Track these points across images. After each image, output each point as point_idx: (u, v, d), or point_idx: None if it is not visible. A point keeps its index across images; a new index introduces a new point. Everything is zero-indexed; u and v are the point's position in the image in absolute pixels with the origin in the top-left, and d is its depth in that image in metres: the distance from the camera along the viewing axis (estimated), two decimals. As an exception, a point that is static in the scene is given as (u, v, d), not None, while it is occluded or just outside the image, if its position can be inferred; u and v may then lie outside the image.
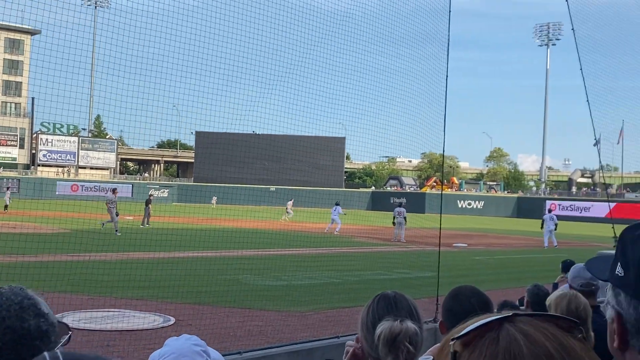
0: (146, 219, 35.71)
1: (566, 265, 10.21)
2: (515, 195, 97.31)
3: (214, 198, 62.68)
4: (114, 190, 31.66)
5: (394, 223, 33.49)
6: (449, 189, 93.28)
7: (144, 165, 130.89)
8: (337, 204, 35.63)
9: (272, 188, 71.85)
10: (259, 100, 13.35)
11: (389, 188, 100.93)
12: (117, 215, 29.82)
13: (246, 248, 22.47)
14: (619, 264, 1.41)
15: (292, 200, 49.18)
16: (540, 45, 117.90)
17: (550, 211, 34.26)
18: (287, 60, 12.88)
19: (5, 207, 43.94)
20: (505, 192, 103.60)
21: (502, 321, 0.96)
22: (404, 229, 33.18)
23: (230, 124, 13.59)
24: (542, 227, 33.09)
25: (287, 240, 26.54)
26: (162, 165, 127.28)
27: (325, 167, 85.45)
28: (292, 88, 13.15)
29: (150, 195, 41.41)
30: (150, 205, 36.55)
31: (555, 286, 10.38)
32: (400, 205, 36.39)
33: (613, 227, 11.15)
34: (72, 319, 10.85)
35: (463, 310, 3.02)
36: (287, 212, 48.44)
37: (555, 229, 32.26)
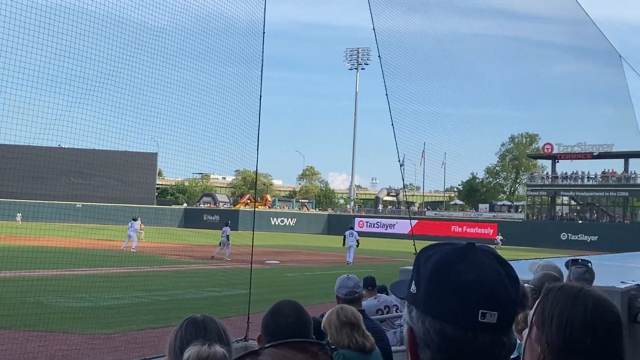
0: None
1: (368, 281, 10.78)
2: (326, 212, 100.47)
3: (19, 215, 58.62)
4: None
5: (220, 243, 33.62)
6: (263, 207, 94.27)
7: None
8: (134, 220, 34.78)
9: (79, 205, 68.54)
10: (66, 113, 12.76)
11: (202, 205, 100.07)
12: None
13: (50, 268, 21.28)
14: (413, 282, 1.52)
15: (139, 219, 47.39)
16: (351, 69, 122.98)
17: (351, 228, 35.09)
18: (95, 73, 12.46)
19: None
20: (317, 209, 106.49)
21: (253, 353, 1.05)
22: (228, 247, 33.26)
23: (34, 137, 12.89)
24: (344, 244, 33.75)
25: (96, 260, 25.46)
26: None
27: (136, 184, 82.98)
28: (101, 101, 12.74)
29: None
30: None
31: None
32: (226, 224, 36.30)
33: (414, 243, 11.85)
34: None
35: (279, 328, 3.06)
36: (139, 232, 46.79)
37: (358, 245, 33.24)
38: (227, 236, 33.23)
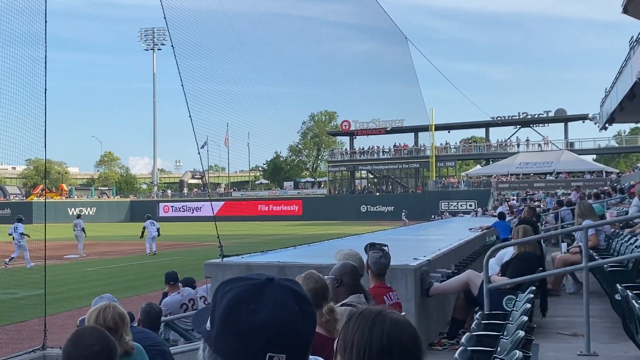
0: None
1: (168, 276, 10.53)
2: (128, 199, 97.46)
3: None
4: None
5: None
6: (59, 197, 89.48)
7: None
8: (18, 221, 29.65)
9: None
10: None
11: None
12: None
13: None
14: (209, 318, 1.46)
15: None
16: (147, 49, 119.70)
17: (149, 217, 32.94)
18: None
19: None
20: (118, 196, 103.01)
21: None
22: (81, 241, 31.35)
23: None
24: (142, 236, 31.60)
25: None
26: None
27: None
28: None
29: None
30: None
31: (165, 295, 10.62)
32: (78, 216, 33.69)
33: (215, 225, 11.73)
34: None
35: (81, 356, 2.87)
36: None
37: (159, 235, 31.47)
38: (82, 229, 31.36)
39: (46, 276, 10.86)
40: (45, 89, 10.49)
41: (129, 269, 25.35)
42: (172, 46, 10.98)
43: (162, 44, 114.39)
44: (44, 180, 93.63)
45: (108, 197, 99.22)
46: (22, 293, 17.76)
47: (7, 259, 25.22)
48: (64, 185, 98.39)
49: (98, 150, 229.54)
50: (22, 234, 26.26)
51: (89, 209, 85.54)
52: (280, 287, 1.47)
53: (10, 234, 26.51)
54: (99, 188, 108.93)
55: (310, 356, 1.92)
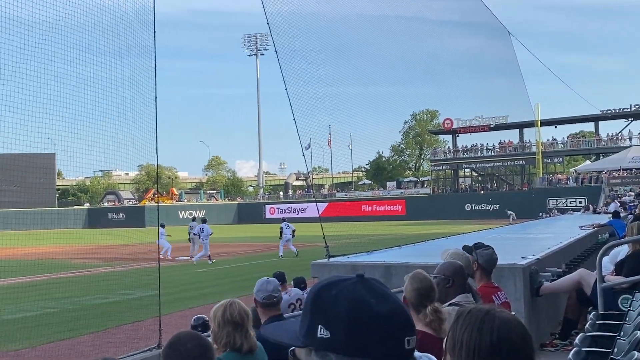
0: None
1: (277, 276, 10.68)
2: (235, 202, 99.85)
3: None
4: None
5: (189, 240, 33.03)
6: (169, 201, 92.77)
7: None
8: (162, 226, 31.23)
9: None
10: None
11: (105, 204, 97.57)
12: None
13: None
14: (319, 326, 1.46)
15: None
16: (250, 55, 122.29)
17: (284, 220, 33.03)
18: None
19: None
20: (226, 199, 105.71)
21: None
22: (196, 244, 32.27)
23: None
24: (280, 237, 31.54)
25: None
26: None
27: (34, 186, 79.91)
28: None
29: None
30: None
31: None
32: (193, 219, 35.17)
33: (321, 226, 11.88)
34: None
35: (181, 357, 3.00)
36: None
37: (293, 236, 31.59)
38: (195, 233, 32.23)
39: (160, 277, 11.23)
40: (156, 97, 10.93)
41: (238, 269, 25.99)
42: (275, 51, 11.23)
43: (264, 49, 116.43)
44: (155, 185, 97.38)
45: (216, 199, 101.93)
46: (137, 294, 18.60)
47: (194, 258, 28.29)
48: (174, 189, 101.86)
49: (205, 154, 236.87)
50: (208, 234, 29.59)
51: (198, 211, 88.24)
52: (375, 280, 1.53)
53: (195, 234, 28.96)
54: (207, 191, 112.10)
55: (421, 354, 1.96)
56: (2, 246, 35.76)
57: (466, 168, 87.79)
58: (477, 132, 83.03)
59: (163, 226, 30.99)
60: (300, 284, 10.85)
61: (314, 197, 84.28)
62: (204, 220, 31.84)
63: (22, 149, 19.08)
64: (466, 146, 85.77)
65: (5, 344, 12.28)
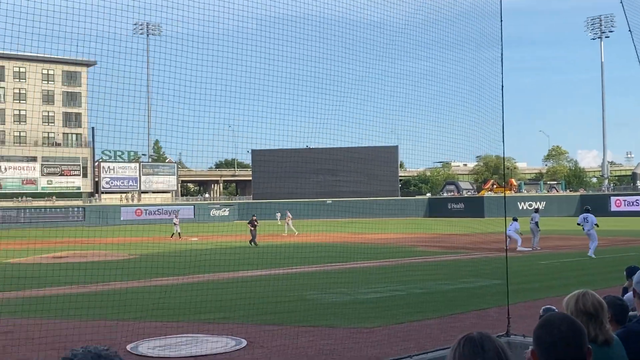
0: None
1: (631, 270, 9.96)
2: (578, 193, 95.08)
3: (278, 214, 63.00)
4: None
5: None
6: (509, 191, 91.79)
7: (204, 185, 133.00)
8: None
9: (329, 201, 72.06)
10: (310, 115, 13.41)
11: (445, 194, 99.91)
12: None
13: (308, 264, 22.65)
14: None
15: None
16: (593, 39, 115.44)
17: (587, 210, 30.15)
18: (334, 74, 12.92)
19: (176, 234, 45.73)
20: (567, 190, 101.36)
21: None
22: (537, 235, 32.21)
23: (283, 140, 13.80)
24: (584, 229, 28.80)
25: (349, 253, 26.61)
26: (221, 184, 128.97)
27: (380, 177, 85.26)
28: (342, 100, 13.23)
29: (254, 217, 38.42)
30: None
31: (625, 290, 10.15)
32: (536, 210, 35.27)
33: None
34: (147, 346, 11.10)
35: (552, 339, 2.99)
36: (287, 224, 50.10)
37: (594, 227, 28.13)
38: (536, 223, 32.30)
39: (507, 268, 11.20)
40: (502, 87, 10.92)
41: (582, 263, 24.84)
42: (629, 30, 10.43)
43: (609, 31, 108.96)
44: (494, 176, 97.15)
45: (557, 191, 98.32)
46: (480, 282, 18.80)
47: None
48: (513, 180, 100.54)
49: (545, 144, 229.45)
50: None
51: (538, 203, 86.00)
52: None
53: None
54: (548, 182, 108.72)
55: None
56: (355, 232, 38.88)
57: None
58: None
59: (516, 219, 31.71)
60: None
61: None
62: (536, 210, 32.13)
63: (370, 143, 20.61)
64: None
65: (360, 322, 13.29)
